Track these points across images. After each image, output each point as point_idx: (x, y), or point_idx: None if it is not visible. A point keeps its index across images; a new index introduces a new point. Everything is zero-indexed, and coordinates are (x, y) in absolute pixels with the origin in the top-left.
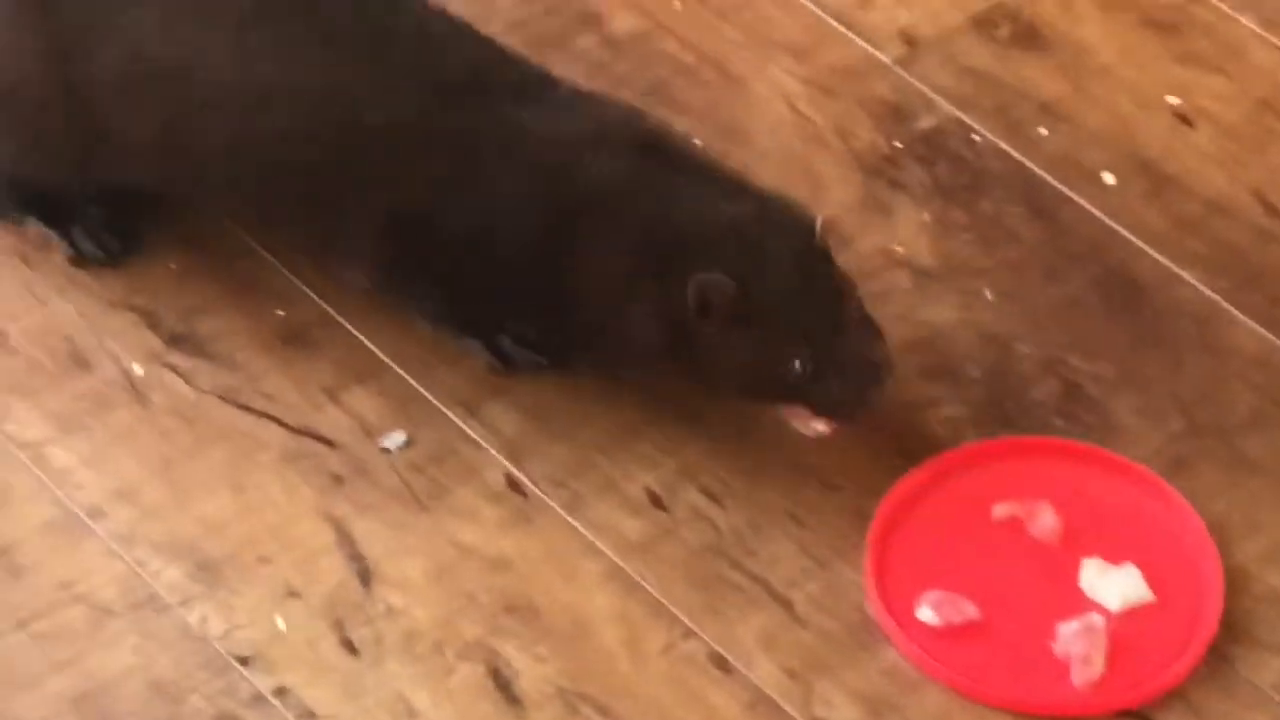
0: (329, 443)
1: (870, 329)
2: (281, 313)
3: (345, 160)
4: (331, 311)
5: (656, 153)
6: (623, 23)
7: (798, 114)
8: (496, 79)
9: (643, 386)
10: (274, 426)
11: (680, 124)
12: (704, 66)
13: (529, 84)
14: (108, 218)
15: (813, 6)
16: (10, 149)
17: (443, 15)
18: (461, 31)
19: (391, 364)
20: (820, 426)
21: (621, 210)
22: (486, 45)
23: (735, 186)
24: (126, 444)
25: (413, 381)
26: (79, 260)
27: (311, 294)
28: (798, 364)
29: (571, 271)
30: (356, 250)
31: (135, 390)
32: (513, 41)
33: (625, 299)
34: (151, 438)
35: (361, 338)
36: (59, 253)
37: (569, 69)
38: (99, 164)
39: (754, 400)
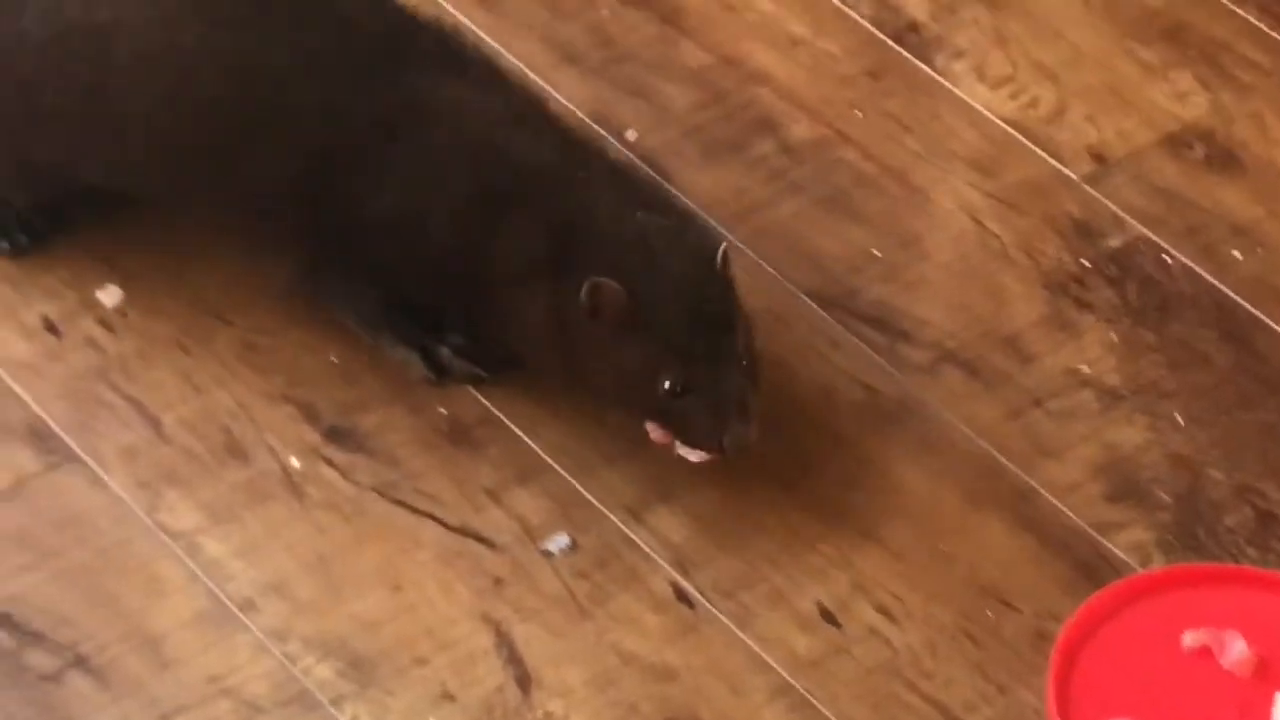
0: (489, 543)
1: (750, 372)
2: (443, 410)
3: (261, 136)
4: (494, 409)
5: (578, 145)
6: (802, 130)
7: (982, 228)
8: (415, 50)
9: (815, 499)
10: (433, 525)
11: (858, 234)
12: (884, 177)
13: (447, 55)
14: (26, 212)
15: (998, 121)
16: None
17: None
18: (383, 3)
19: (554, 465)
20: (687, 453)
21: (538, 195)
22: (404, 14)
23: (652, 196)
24: (281, 537)
25: (575, 483)
26: (14, 252)
27: (474, 391)
28: (667, 383)
29: (482, 253)
30: (280, 237)
31: (291, 483)
32: (689, 145)
33: (523, 282)
34: (307, 532)
35: (524, 437)
36: (217, 343)
37: (746, 174)
38: (24, 146)
39: (621, 410)
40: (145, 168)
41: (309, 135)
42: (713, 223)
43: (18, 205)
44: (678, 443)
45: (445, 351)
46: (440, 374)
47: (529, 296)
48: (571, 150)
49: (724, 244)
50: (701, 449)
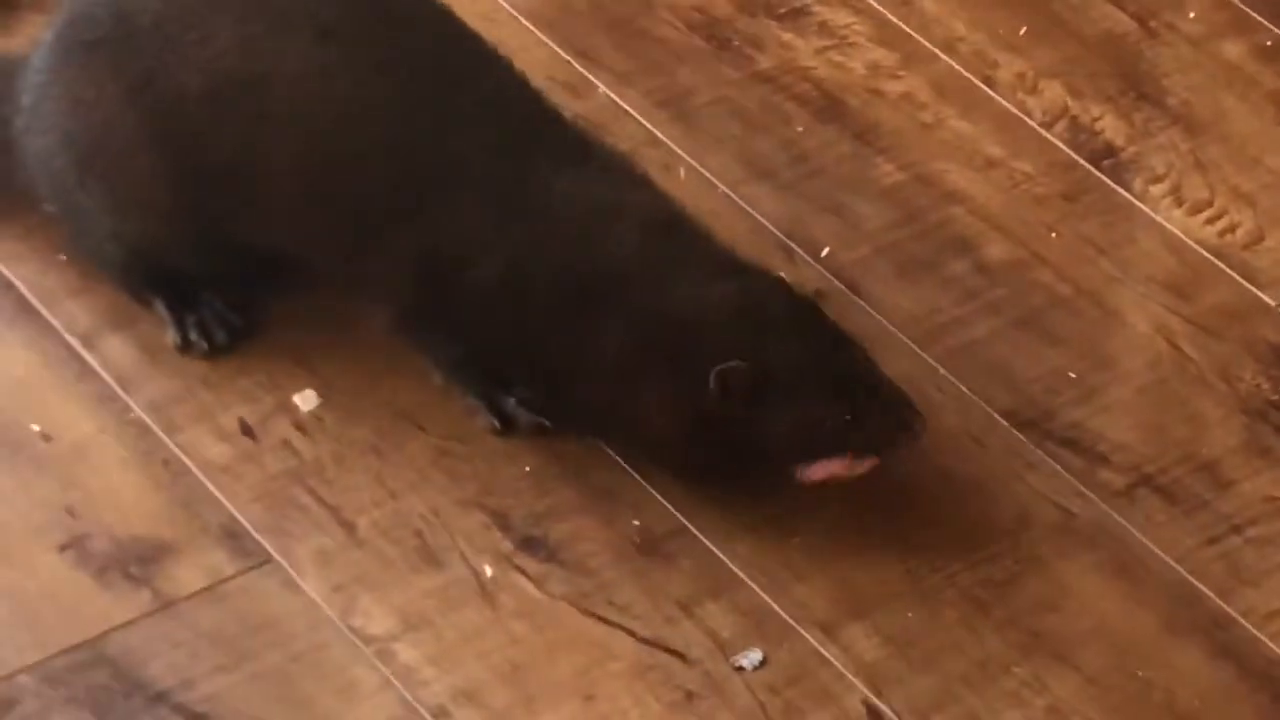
0: (681, 656)
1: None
2: (636, 522)
3: (395, 190)
4: (687, 523)
5: (664, 230)
6: (997, 250)
7: (1178, 351)
8: (548, 138)
9: (1010, 621)
10: (625, 637)
11: (1053, 355)
12: (1080, 298)
13: (574, 147)
14: (222, 309)
15: (1195, 245)
16: (115, 210)
17: (508, 66)
18: (525, 87)
19: (746, 579)
20: (856, 467)
21: (626, 291)
22: (546, 105)
23: (734, 266)
24: (474, 645)
25: (768, 598)
26: (185, 348)
27: (667, 504)
28: (847, 416)
29: (585, 347)
30: (386, 286)
31: (484, 591)
32: (882, 263)
33: (638, 387)
34: (500, 640)
35: (716, 550)
36: (410, 449)
37: (940, 293)
38: (188, 208)
39: (798, 459)
40: (289, 220)
41: (437, 197)
42: (907, 341)
43: (202, 284)
44: (849, 462)
45: (511, 402)
46: (505, 424)
47: (651, 404)
48: (653, 235)
49: (810, 291)
50: (895, 445)
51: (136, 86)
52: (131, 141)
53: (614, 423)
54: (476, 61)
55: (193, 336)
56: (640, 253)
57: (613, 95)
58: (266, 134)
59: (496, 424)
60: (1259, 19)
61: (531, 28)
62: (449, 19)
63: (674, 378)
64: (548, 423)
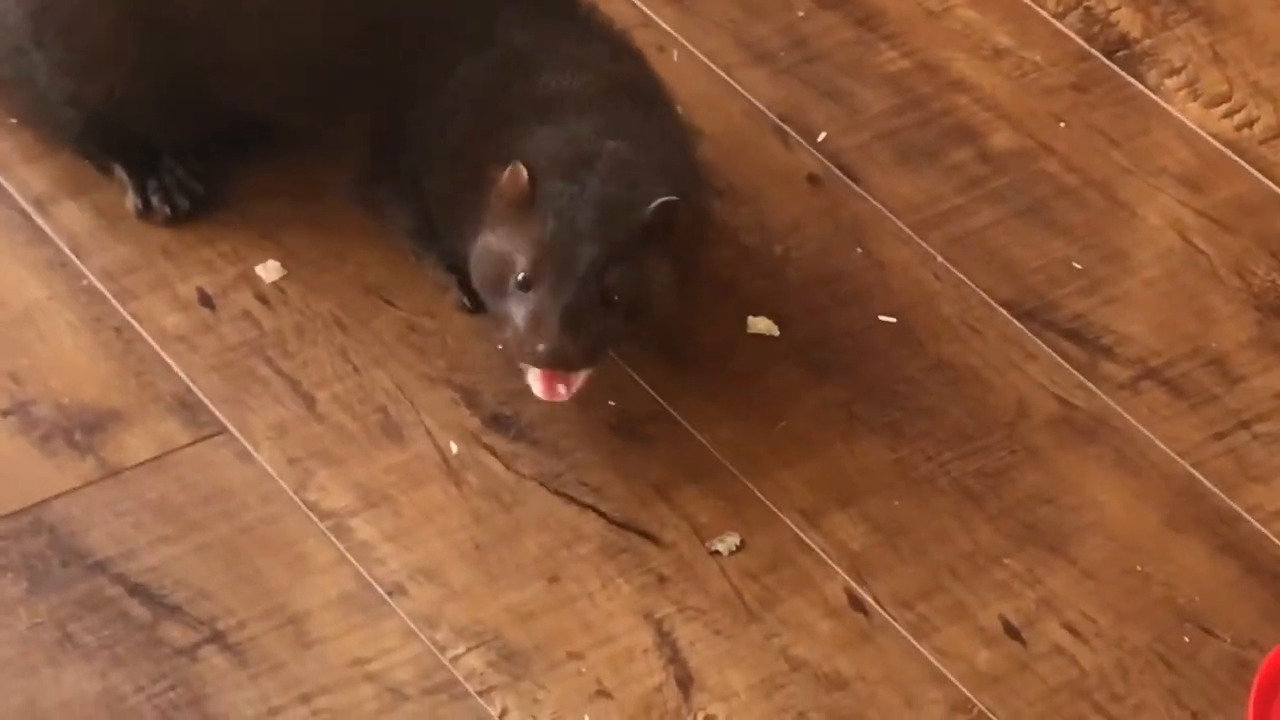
0: (655, 540)
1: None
2: (613, 403)
3: (361, 42)
4: (667, 406)
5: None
6: (1002, 139)
7: (1190, 245)
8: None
9: (1004, 512)
10: (596, 518)
11: (1058, 245)
12: (1088, 189)
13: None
14: (184, 175)
15: (1211, 138)
16: (76, 70)
17: None
18: None
19: (728, 464)
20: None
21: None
22: None
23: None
24: (435, 523)
25: (749, 484)
26: (145, 213)
27: (647, 387)
28: (515, 279)
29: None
30: (346, 146)
31: (449, 468)
32: (882, 149)
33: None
34: (463, 519)
35: (696, 434)
36: (377, 323)
37: (941, 181)
38: (154, 65)
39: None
40: (256, 74)
41: (401, 50)
42: (904, 227)
43: (164, 150)
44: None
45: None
46: (476, 303)
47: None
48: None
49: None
50: (520, 359)
51: None
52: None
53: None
54: None
55: (154, 201)
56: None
57: None
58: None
59: (466, 302)
60: None
61: None
62: None
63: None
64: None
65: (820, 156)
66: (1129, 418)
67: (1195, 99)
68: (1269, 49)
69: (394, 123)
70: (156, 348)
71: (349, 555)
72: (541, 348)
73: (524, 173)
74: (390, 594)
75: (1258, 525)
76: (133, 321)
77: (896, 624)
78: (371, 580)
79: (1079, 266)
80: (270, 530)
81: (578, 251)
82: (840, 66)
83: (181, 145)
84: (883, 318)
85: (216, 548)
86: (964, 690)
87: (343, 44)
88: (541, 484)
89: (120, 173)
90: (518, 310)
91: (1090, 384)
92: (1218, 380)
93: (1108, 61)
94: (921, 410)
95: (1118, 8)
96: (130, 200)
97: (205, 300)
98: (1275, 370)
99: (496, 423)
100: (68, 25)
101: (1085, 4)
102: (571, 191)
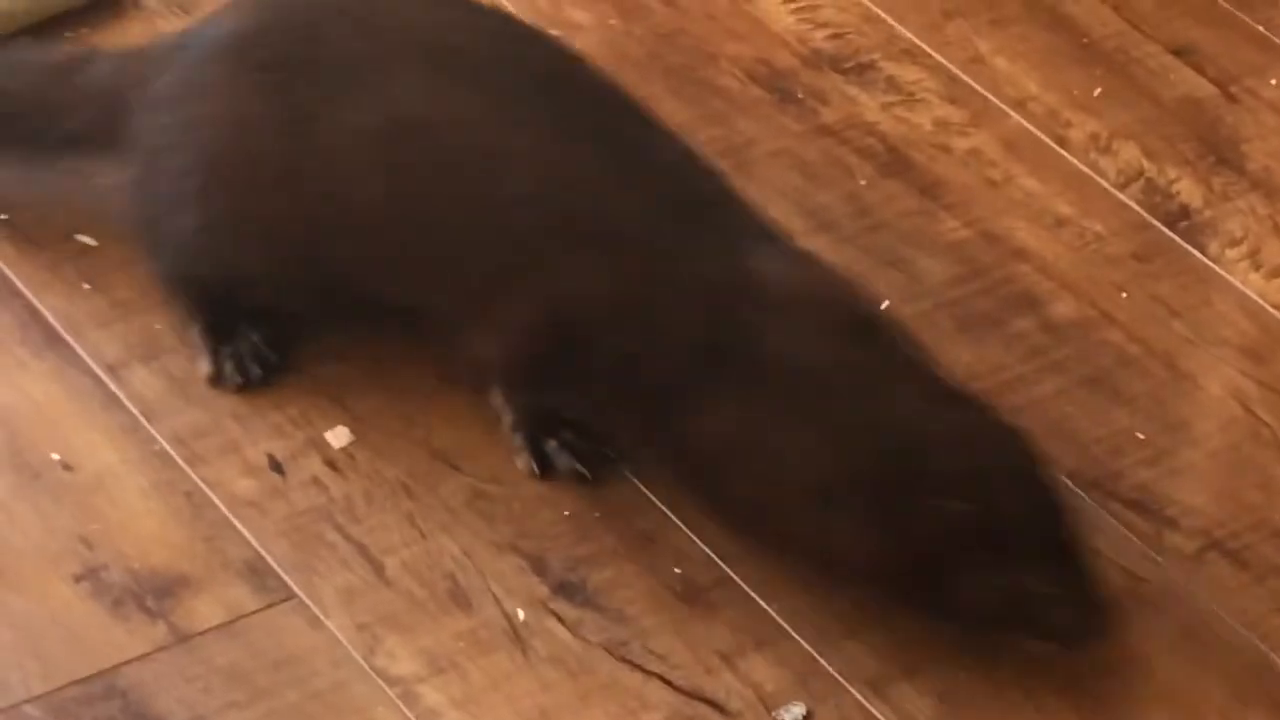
0: (721, 708)
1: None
2: (679, 570)
3: (545, 241)
4: (731, 574)
5: (867, 338)
6: (1064, 308)
7: (1253, 416)
8: (720, 209)
9: (1070, 684)
10: (662, 687)
11: (1121, 415)
12: (1149, 359)
13: (749, 231)
14: (259, 342)
15: (1272, 309)
16: (224, 229)
17: (679, 138)
18: (699, 164)
19: (792, 632)
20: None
21: (820, 398)
22: (721, 183)
23: (942, 388)
24: (502, 690)
25: (814, 652)
26: (217, 381)
27: (711, 554)
28: (1031, 586)
29: (757, 445)
30: (506, 338)
31: (516, 635)
32: (945, 318)
33: (828, 511)
34: (530, 686)
35: (761, 602)
36: (444, 489)
37: (1004, 351)
38: (308, 246)
39: (974, 621)
40: (421, 269)
41: (585, 254)
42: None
43: (244, 316)
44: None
45: (553, 444)
46: (543, 467)
47: (839, 526)
48: (857, 342)
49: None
50: (1077, 642)
51: (303, 118)
52: (279, 172)
53: (764, 519)
54: (644, 129)
55: (227, 369)
56: (839, 356)
57: None
58: (427, 183)
59: (535, 468)
60: None
61: None
62: (616, 88)
63: (880, 511)
64: (587, 473)
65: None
66: (1194, 590)
67: (1257, 270)
68: None
69: (576, 322)
70: (226, 513)
71: None
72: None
73: (969, 512)
74: None
75: None
76: (203, 486)
77: None
78: None
79: (1142, 437)
80: (339, 697)
81: (1067, 539)
82: (902, 235)
83: (268, 315)
84: None
85: (286, 714)
86: None
87: (527, 240)
88: (608, 651)
89: (196, 336)
90: (1046, 623)
91: (1155, 555)
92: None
93: (1169, 232)
94: None
95: (1178, 179)
96: (204, 367)
97: (275, 465)
98: None
99: (563, 589)
100: (240, 193)
101: (1146, 175)
102: (1006, 495)
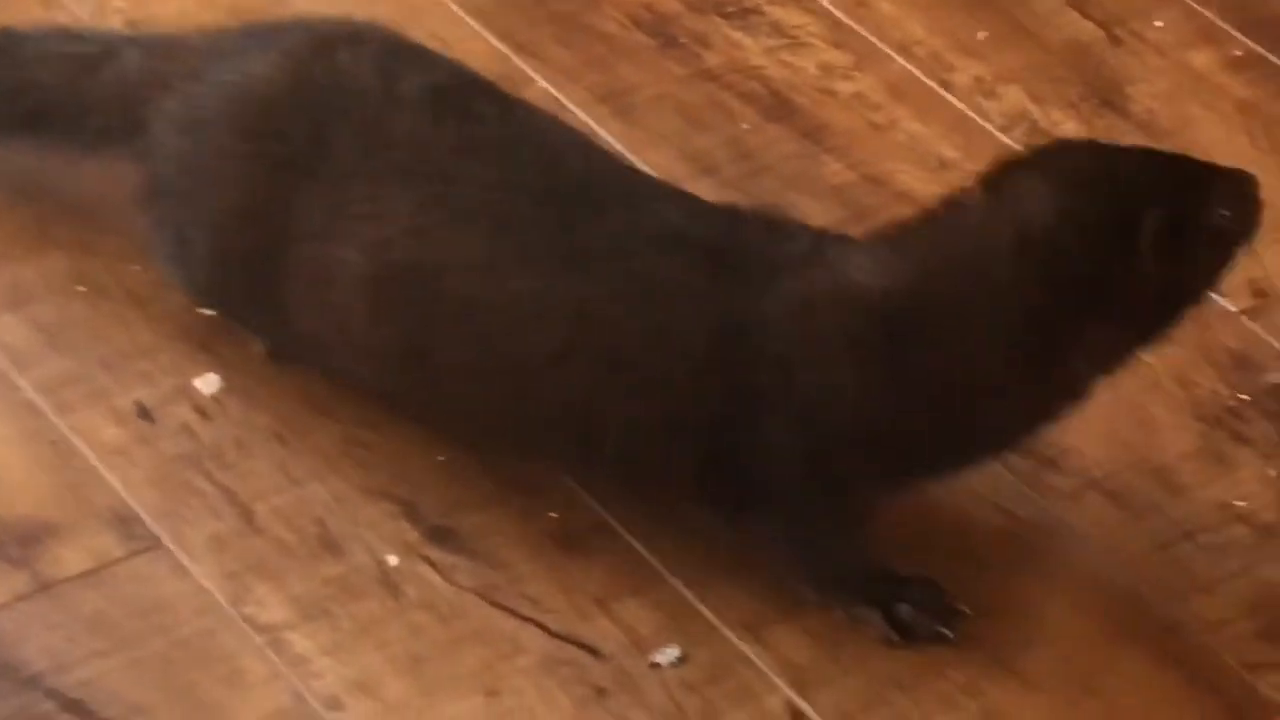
0: (595, 652)
1: None
2: (555, 515)
3: (623, 380)
4: (609, 519)
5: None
6: None
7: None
8: (754, 250)
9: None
10: (536, 631)
11: None
12: None
13: (774, 236)
14: None
15: None
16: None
17: (695, 204)
18: (711, 214)
19: (670, 577)
20: None
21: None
22: (732, 216)
23: None
24: (373, 636)
25: (691, 597)
26: (276, 356)
27: (589, 498)
28: (1224, 214)
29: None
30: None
31: (387, 581)
32: None
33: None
34: (401, 632)
35: (638, 546)
36: (317, 436)
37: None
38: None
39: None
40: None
41: (689, 387)
42: None
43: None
44: None
45: (905, 608)
46: (904, 634)
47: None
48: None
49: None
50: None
51: (297, 234)
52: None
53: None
54: (664, 217)
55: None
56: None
57: (552, 90)
58: (438, 329)
59: (894, 635)
60: (1229, 30)
61: (469, 20)
62: (643, 185)
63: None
64: (949, 633)
65: None
66: (1073, 528)
67: None
68: (1205, 156)
69: (737, 437)
70: (94, 461)
71: (285, 669)
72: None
73: (1158, 214)
74: (327, 708)
75: (1200, 636)
76: (70, 435)
77: None
78: (307, 694)
79: None
80: (206, 644)
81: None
82: (785, 179)
83: None
84: None
85: (151, 662)
86: None
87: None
88: (481, 596)
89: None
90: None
91: (1035, 495)
92: (1160, 491)
93: None
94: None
95: (1062, 121)
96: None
97: (144, 413)
98: (1218, 481)
99: (436, 535)
100: (242, 264)
101: (1030, 118)
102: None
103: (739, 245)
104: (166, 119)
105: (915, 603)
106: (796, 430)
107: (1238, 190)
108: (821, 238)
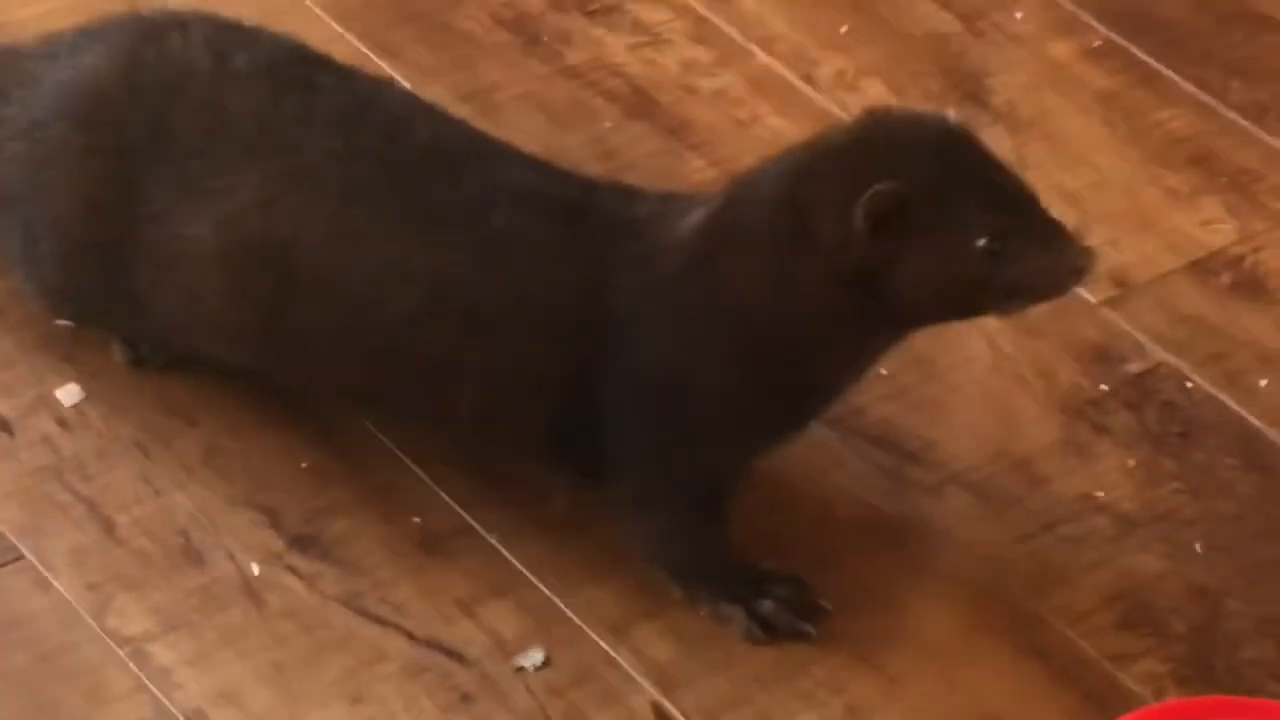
0: (459, 657)
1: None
2: (418, 519)
3: (475, 346)
4: (472, 521)
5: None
6: None
7: (996, 350)
8: (606, 211)
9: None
10: (400, 637)
11: None
12: None
13: (632, 204)
14: None
15: None
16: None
17: (548, 167)
18: (564, 176)
19: (533, 579)
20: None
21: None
22: (585, 180)
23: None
24: (235, 646)
25: (555, 598)
26: (137, 363)
27: (452, 502)
28: (982, 240)
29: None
30: (548, 451)
31: (251, 590)
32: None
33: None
34: (263, 641)
35: (502, 550)
36: (179, 445)
37: None
38: (182, 331)
39: (955, 313)
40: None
41: (541, 339)
42: None
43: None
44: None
45: (768, 605)
46: (767, 630)
47: (816, 286)
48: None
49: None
50: (1053, 290)
51: (146, 218)
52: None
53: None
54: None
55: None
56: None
57: (414, 90)
58: (293, 303)
59: (758, 632)
60: (1088, 20)
61: (329, 20)
62: (495, 148)
63: (804, 244)
64: (812, 630)
65: None
66: (934, 522)
67: None
68: (1072, 152)
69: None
70: None
71: (147, 681)
72: (1078, 257)
73: (891, 190)
74: None
75: (1061, 628)
76: None
77: None
78: (170, 706)
79: (885, 372)
80: (68, 659)
81: (1011, 189)
82: (648, 176)
83: None
84: None
85: (13, 677)
86: None
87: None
88: (344, 604)
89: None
90: (1022, 263)
91: (896, 489)
92: (1021, 484)
93: None
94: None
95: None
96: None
97: (3, 425)
98: (1078, 472)
99: (299, 543)
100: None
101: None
102: (922, 166)
103: (592, 206)
104: (6, 128)
105: (778, 599)
106: (632, 389)
107: (1040, 243)
108: (669, 199)
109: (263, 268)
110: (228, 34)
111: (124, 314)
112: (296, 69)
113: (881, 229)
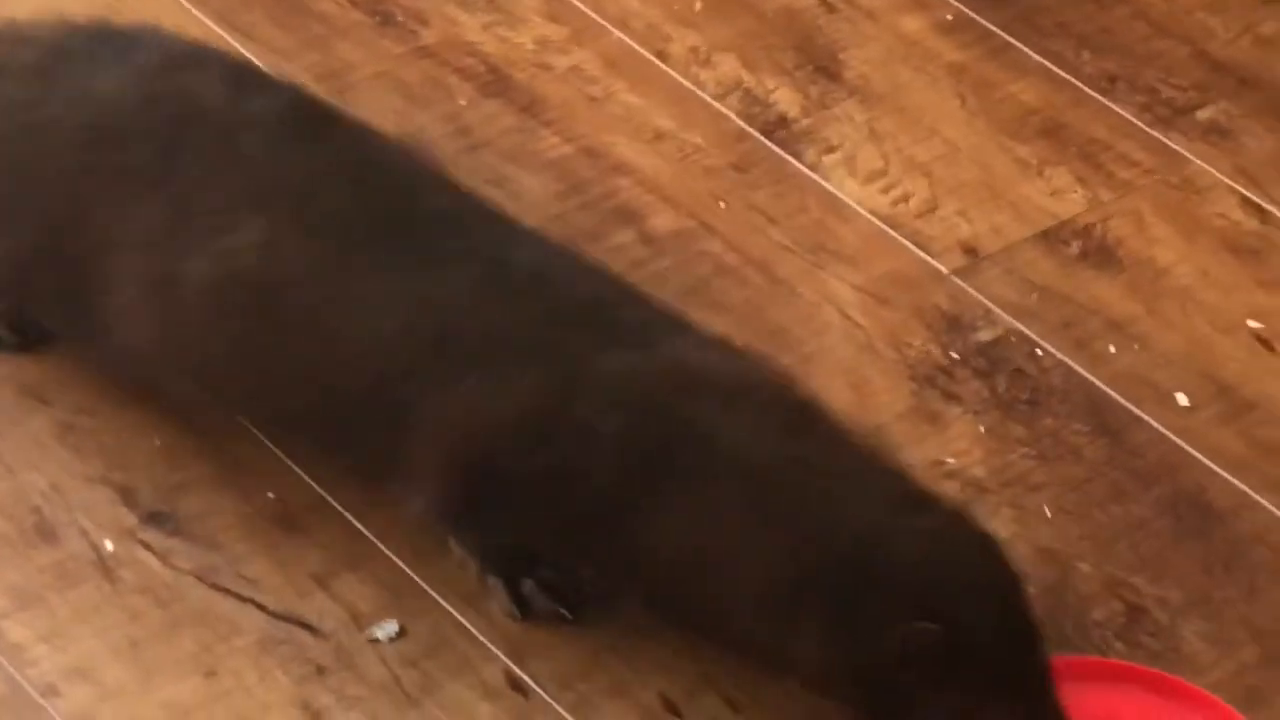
0: (313, 630)
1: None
2: (271, 494)
3: (431, 382)
4: (326, 495)
5: (807, 428)
6: (663, 220)
7: (848, 320)
8: (616, 316)
9: None
10: (254, 611)
11: (720, 324)
12: (748, 268)
13: (654, 324)
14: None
15: (868, 215)
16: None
17: (560, 251)
18: (575, 265)
19: (387, 551)
20: None
21: (772, 497)
22: (605, 280)
23: (906, 488)
24: (90, 622)
25: (408, 570)
26: None
27: (305, 476)
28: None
29: (711, 555)
30: (421, 476)
31: (104, 566)
32: (548, 233)
33: (786, 618)
34: (117, 616)
35: (356, 523)
36: (32, 424)
37: (607, 263)
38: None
39: None
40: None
41: (475, 375)
42: None
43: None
44: None
45: (529, 584)
46: (523, 608)
47: (801, 641)
48: (797, 434)
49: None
50: None
51: (134, 243)
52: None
53: (734, 636)
54: (506, 236)
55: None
56: (792, 452)
57: (269, 71)
58: (281, 337)
59: (514, 609)
60: None
61: (185, 4)
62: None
63: (839, 622)
64: (568, 614)
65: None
66: None
67: (853, 175)
68: (923, 125)
69: (486, 449)
70: None
71: (1, 659)
72: None
73: (937, 634)
74: (44, 695)
75: None
76: None
77: (556, 704)
78: (24, 683)
79: (740, 344)
80: None
81: (1039, 667)
82: (503, 154)
83: None
84: None
85: None
86: None
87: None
88: (199, 579)
89: None
90: None
91: None
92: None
93: (767, 141)
94: None
95: (776, 89)
96: None
97: None
98: (930, 439)
99: (154, 519)
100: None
101: (745, 86)
102: (973, 618)
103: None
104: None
105: (540, 580)
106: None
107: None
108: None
109: (253, 308)
110: (245, 76)
111: (70, 324)
112: (312, 119)
113: (913, 664)
